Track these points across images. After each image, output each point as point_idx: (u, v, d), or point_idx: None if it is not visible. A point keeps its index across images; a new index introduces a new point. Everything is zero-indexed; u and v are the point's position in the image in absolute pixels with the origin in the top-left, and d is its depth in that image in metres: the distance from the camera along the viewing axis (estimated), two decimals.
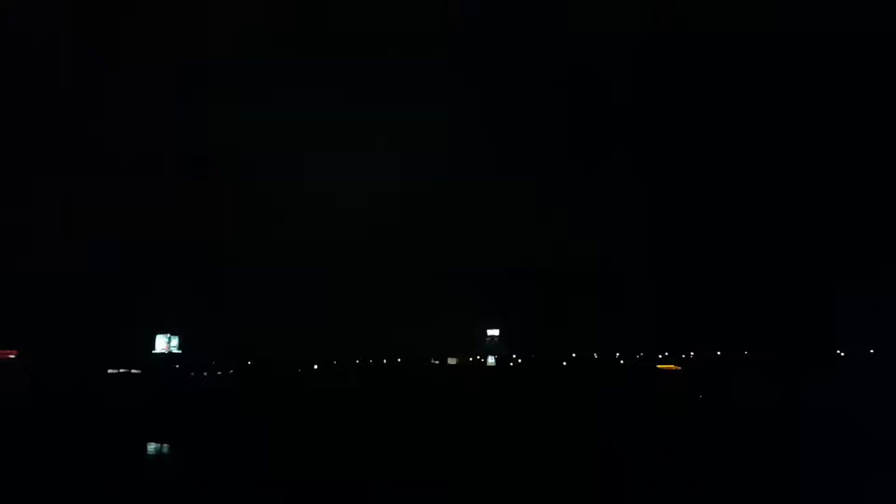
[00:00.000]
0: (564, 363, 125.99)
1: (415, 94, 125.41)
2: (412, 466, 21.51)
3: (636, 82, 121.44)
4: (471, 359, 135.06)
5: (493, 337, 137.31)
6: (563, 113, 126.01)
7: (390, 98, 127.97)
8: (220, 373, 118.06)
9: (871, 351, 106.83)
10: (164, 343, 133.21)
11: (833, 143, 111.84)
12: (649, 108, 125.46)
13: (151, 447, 27.28)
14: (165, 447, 27.53)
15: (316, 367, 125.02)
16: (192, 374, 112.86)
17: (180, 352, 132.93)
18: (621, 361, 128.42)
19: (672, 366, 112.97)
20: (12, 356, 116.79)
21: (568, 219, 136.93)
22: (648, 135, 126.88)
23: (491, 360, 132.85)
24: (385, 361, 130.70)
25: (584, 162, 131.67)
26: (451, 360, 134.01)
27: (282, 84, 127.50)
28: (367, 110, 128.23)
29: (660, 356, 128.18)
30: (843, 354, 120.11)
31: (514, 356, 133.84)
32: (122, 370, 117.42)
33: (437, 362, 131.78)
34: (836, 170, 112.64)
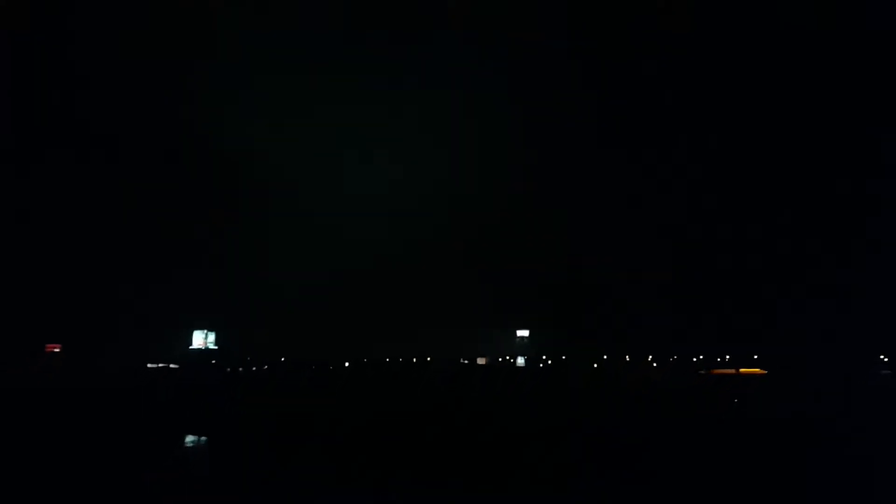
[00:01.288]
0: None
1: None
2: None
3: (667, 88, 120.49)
4: (500, 359, 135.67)
5: (522, 338, 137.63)
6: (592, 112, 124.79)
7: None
8: (254, 368, 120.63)
9: None
10: (200, 339, 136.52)
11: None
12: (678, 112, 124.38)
13: (189, 439, 28.56)
14: (203, 439, 28.80)
15: (347, 364, 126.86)
16: (228, 369, 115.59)
17: (216, 348, 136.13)
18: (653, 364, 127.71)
19: (756, 370, 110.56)
20: (57, 350, 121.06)
21: (600, 220, 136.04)
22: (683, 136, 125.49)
23: (521, 360, 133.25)
24: (414, 360, 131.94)
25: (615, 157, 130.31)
26: (481, 360, 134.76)
27: (320, 85, 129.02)
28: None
29: (694, 360, 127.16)
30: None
31: (544, 357, 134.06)
32: (160, 364, 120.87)
33: (466, 362, 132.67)
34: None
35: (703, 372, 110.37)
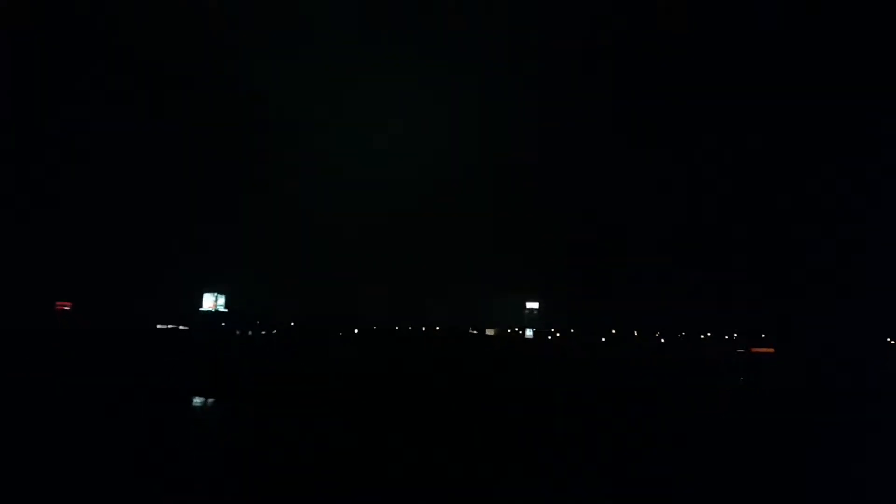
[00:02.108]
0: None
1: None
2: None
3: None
4: (509, 331, 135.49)
5: (532, 310, 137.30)
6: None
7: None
8: (263, 332, 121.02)
9: None
10: (211, 301, 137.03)
11: None
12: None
13: (197, 401, 28.29)
14: (210, 401, 28.50)
15: (356, 331, 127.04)
16: (238, 332, 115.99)
17: (227, 310, 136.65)
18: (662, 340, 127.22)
19: (767, 349, 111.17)
20: (67, 308, 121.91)
21: (611, 195, 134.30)
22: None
23: (529, 332, 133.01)
24: (423, 329, 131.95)
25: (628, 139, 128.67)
26: (490, 332, 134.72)
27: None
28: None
29: (702, 336, 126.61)
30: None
31: (553, 329, 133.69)
32: (170, 326, 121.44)
33: (475, 332, 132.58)
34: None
35: (741, 350, 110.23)
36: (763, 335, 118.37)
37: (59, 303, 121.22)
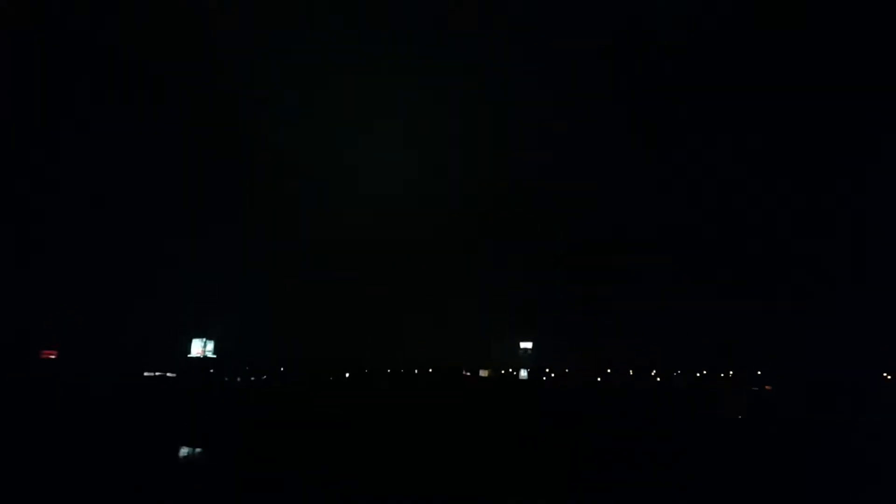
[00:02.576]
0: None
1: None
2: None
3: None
4: (503, 371, 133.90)
5: (526, 349, 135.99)
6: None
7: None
8: (253, 378, 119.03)
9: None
10: (199, 347, 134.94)
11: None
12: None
13: (184, 451, 27.16)
14: (197, 451, 27.37)
15: (347, 374, 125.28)
16: (227, 378, 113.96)
17: (215, 356, 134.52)
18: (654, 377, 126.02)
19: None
20: (53, 356, 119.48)
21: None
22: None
23: (523, 373, 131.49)
24: (416, 371, 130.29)
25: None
26: (483, 373, 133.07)
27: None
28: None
29: (698, 374, 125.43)
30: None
31: (547, 370, 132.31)
32: (157, 373, 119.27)
33: (468, 374, 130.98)
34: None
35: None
36: (759, 371, 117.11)
37: (44, 351, 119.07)
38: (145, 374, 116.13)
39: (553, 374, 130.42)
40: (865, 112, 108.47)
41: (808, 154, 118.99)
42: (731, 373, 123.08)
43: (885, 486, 19.24)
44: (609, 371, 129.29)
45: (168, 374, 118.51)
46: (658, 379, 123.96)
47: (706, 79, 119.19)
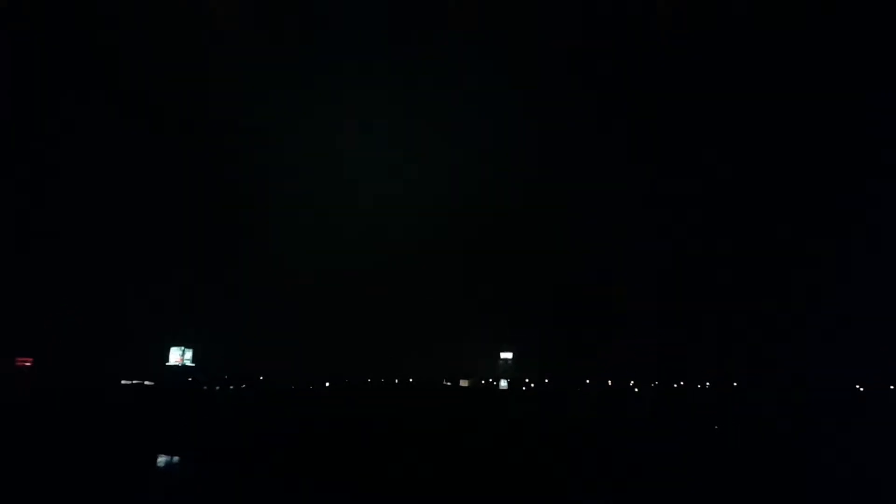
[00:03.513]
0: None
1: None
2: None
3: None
4: (483, 382, 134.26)
5: (506, 360, 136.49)
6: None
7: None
8: (232, 387, 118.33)
9: None
10: (177, 356, 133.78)
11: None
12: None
13: (161, 460, 27.23)
14: (175, 459, 27.45)
15: (327, 384, 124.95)
16: (205, 387, 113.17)
17: (194, 365, 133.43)
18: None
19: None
20: (28, 364, 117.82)
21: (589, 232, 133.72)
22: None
23: (503, 383, 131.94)
24: (396, 381, 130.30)
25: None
26: (464, 383, 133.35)
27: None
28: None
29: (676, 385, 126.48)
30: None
31: (527, 381, 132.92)
32: (135, 381, 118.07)
33: (448, 384, 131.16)
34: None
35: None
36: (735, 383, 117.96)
37: (19, 359, 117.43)
38: (122, 381, 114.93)
39: (532, 385, 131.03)
40: (865, 112, 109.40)
41: (807, 154, 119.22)
42: (707, 384, 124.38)
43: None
44: (588, 381, 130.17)
45: (146, 382, 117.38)
46: (636, 389, 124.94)
47: (711, 83, 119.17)
